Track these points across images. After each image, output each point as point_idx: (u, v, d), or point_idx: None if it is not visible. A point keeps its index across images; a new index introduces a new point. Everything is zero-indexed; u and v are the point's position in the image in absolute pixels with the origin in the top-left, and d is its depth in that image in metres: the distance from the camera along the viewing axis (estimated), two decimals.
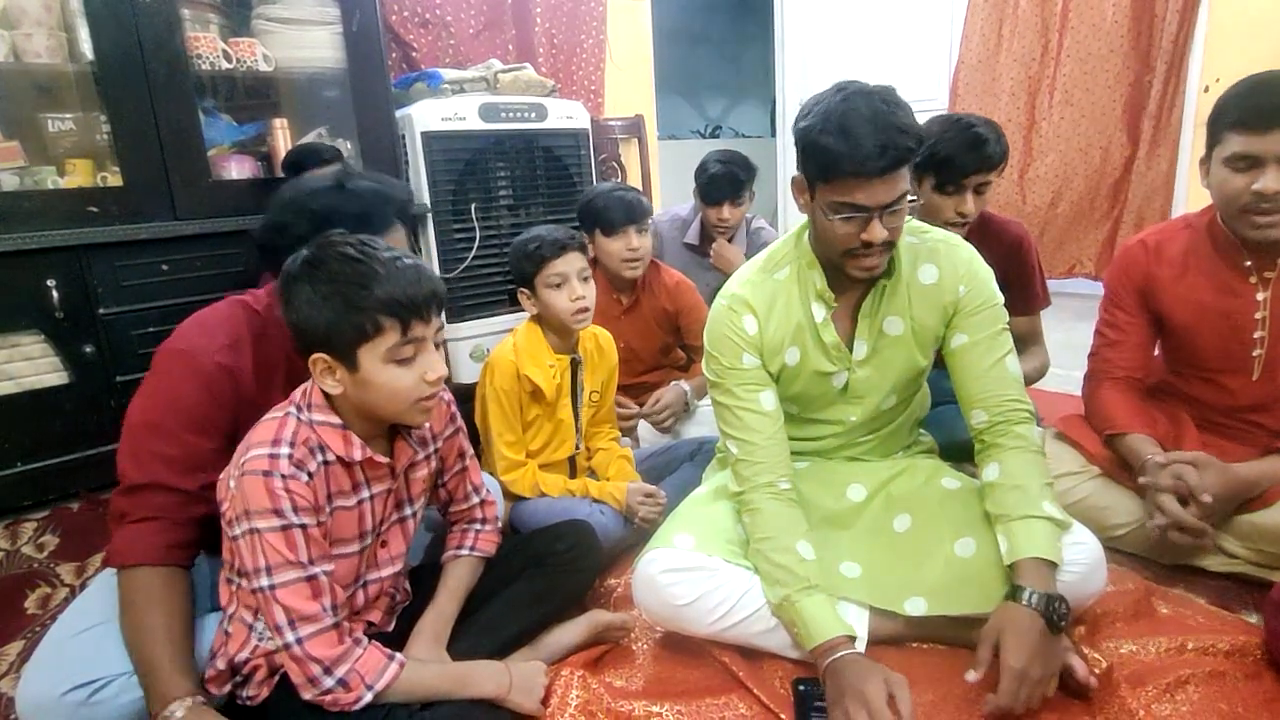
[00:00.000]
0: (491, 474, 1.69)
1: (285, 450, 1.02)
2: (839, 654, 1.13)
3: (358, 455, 1.07)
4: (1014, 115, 3.80)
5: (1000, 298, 1.36)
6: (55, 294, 1.91)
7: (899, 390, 1.42)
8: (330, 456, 1.06)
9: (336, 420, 1.07)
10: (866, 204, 1.15)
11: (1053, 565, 1.16)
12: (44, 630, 1.34)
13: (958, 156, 1.71)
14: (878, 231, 1.17)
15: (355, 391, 1.04)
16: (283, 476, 1.00)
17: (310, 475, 1.03)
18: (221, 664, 1.11)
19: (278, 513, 0.99)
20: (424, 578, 1.32)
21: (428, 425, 1.20)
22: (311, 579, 1.02)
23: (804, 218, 1.34)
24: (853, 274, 1.25)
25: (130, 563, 1.10)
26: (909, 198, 1.20)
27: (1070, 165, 3.72)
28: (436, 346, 1.08)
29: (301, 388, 1.10)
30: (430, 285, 1.04)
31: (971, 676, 1.09)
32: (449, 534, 1.35)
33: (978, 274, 1.34)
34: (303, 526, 1.01)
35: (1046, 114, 3.75)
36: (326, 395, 1.07)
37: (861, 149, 1.11)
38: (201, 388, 1.11)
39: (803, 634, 1.18)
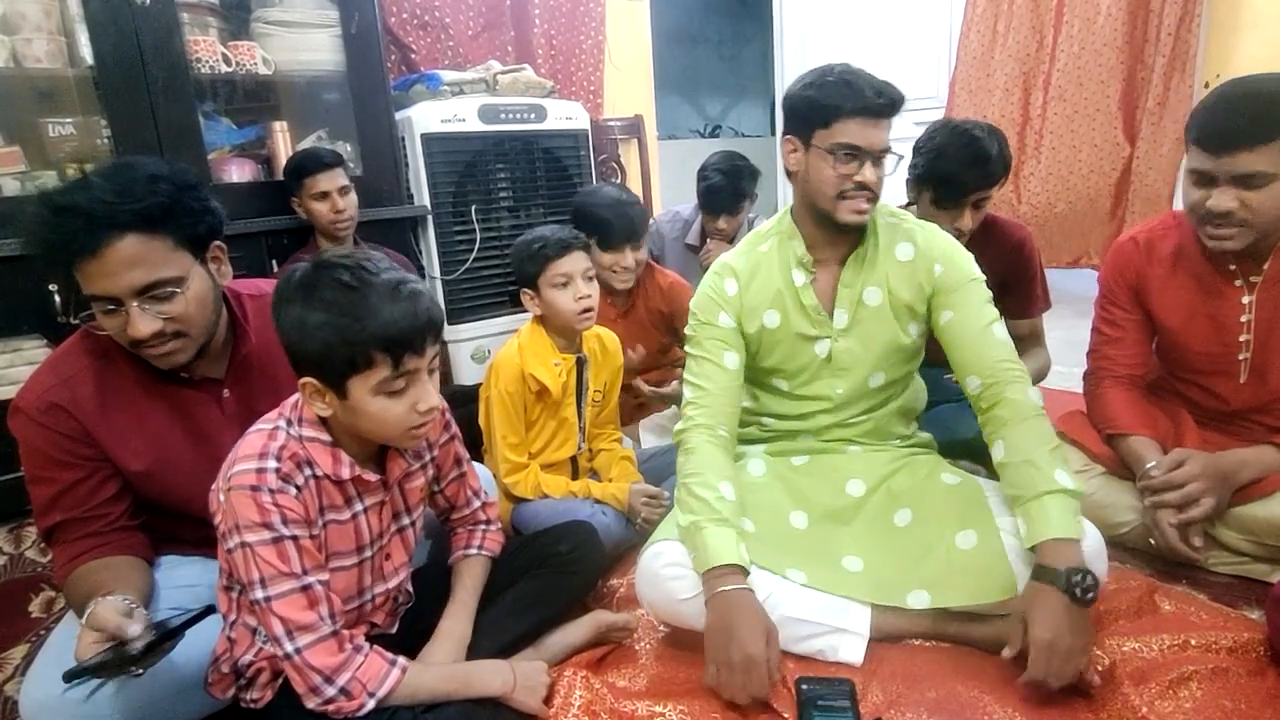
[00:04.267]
0: (494, 473, 1.70)
1: (272, 464, 1.00)
2: (729, 586, 1.19)
3: (346, 474, 1.06)
4: (1008, 112, 3.78)
5: (981, 275, 1.41)
6: (58, 298, 1.91)
7: (884, 366, 1.45)
8: (319, 472, 1.05)
9: (326, 437, 1.06)
10: (864, 145, 1.29)
11: (1073, 540, 1.17)
12: (48, 634, 1.34)
13: (959, 174, 1.70)
14: (870, 174, 1.31)
15: (344, 416, 1.03)
16: (270, 491, 0.99)
17: (298, 489, 1.02)
18: (225, 668, 1.11)
19: (267, 526, 0.98)
20: (424, 580, 1.32)
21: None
22: (306, 589, 1.01)
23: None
24: (844, 219, 1.34)
25: (68, 571, 1.14)
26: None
27: (1063, 163, 3.70)
28: (431, 373, 1.06)
29: (293, 399, 1.09)
30: (426, 316, 1.01)
31: (1006, 653, 1.13)
32: (455, 535, 1.35)
33: (953, 255, 1.41)
34: (294, 538, 1.00)
35: (1040, 110, 3.73)
36: None
37: (864, 93, 1.27)
38: (43, 429, 1.14)
39: (700, 556, 1.24)
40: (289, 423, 1.06)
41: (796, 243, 1.42)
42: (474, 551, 1.32)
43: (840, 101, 1.27)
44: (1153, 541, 1.44)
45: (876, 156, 1.31)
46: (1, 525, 1.97)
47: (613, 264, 2.08)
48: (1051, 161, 3.72)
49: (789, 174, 1.41)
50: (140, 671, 0.98)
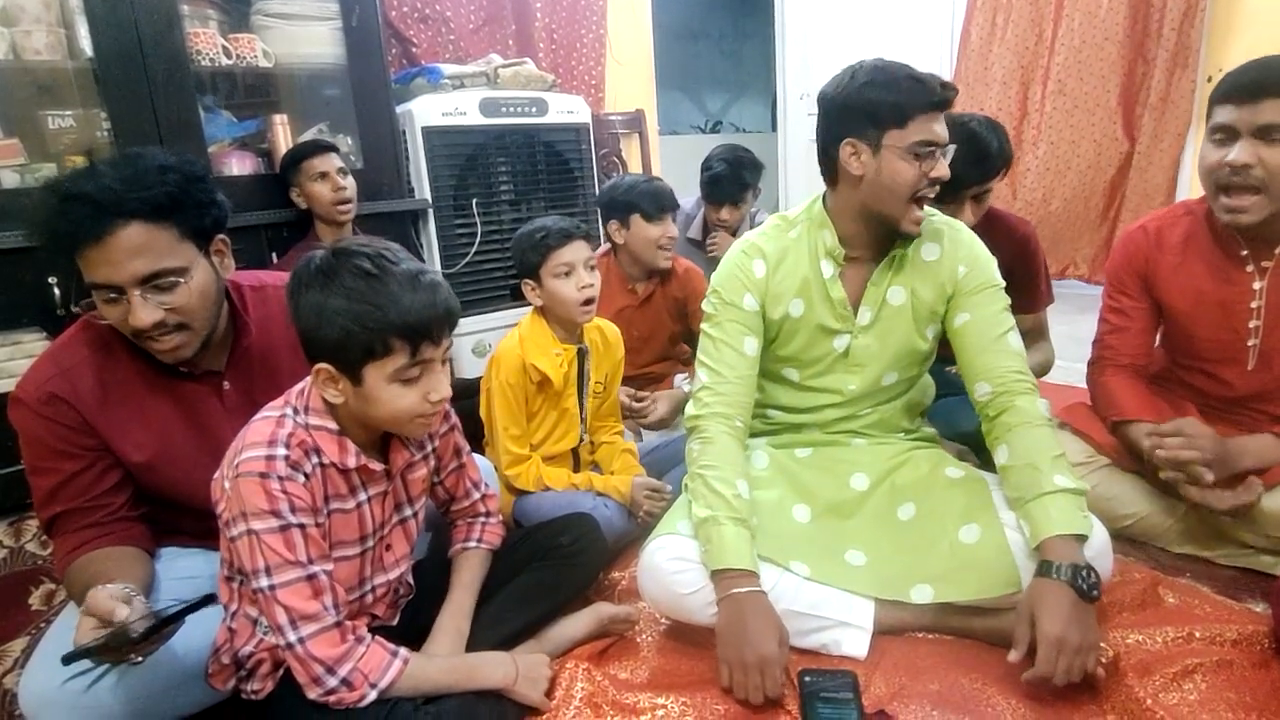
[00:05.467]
0: (496, 466, 1.69)
1: (281, 451, 1.00)
2: (743, 588, 1.19)
3: (352, 462, 1.06)
4: (1005, 105, 3.75)
5: (1001, 281, 1.40)
6: (57, 291, 1.90)
7: (898, 366, 1.44)
8: (325, 460, 1.05)
9: (333, 425, 1.06)
10: (938, 139, 1.28)
11: (1078, 537, 1.17)
12: (48, 626, 1.34)
13: (957, 167, 1.68)
14: (945, 167, 1.30)
15: (356, 403, 1.03)
16: (279, 478, 0.99)
17: (306, 477, 1.02)
18: (226, 659, 1.11)
19: (275, 514, 0.98)
20: (424, 572, 1.32)
21: None
22: (311, 578, 1.01)
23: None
24: (907, 229, 1.33)
25: (68, 562, 1.13)
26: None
27: (1062, 159, 3.67)
28: (443, 363, 1.06)
29: (299, 388, 1.09)
30: (445, 306, 1.02)
31: (1013, 656, 1.11)
32: (454, 528, 1.35)
33: (978, 257, 1.40)
34: (300, 526, 1.00)
35: (1039, 105, 3.70)
36: (324, 399, 1.06)
37: (935, 88, 1.26)
38: (44, 420, 1.13)
39: (715, 553, 1.23)
40: (295, 410, 1.06)
41: (827, 233, 1.39)
42: (473, 545, 1.31)
43: (914, 98, 1.25)
44: (1163, 476, 1.42)
45: (945, 149, 1.30)
46: (1, 519, 1.97)
47: (660, 235, 2.10)
48: (1049, 156, 3.69)
49: (836, 180, 1.37)
50: (139, 659, 0.97)
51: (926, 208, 1.39)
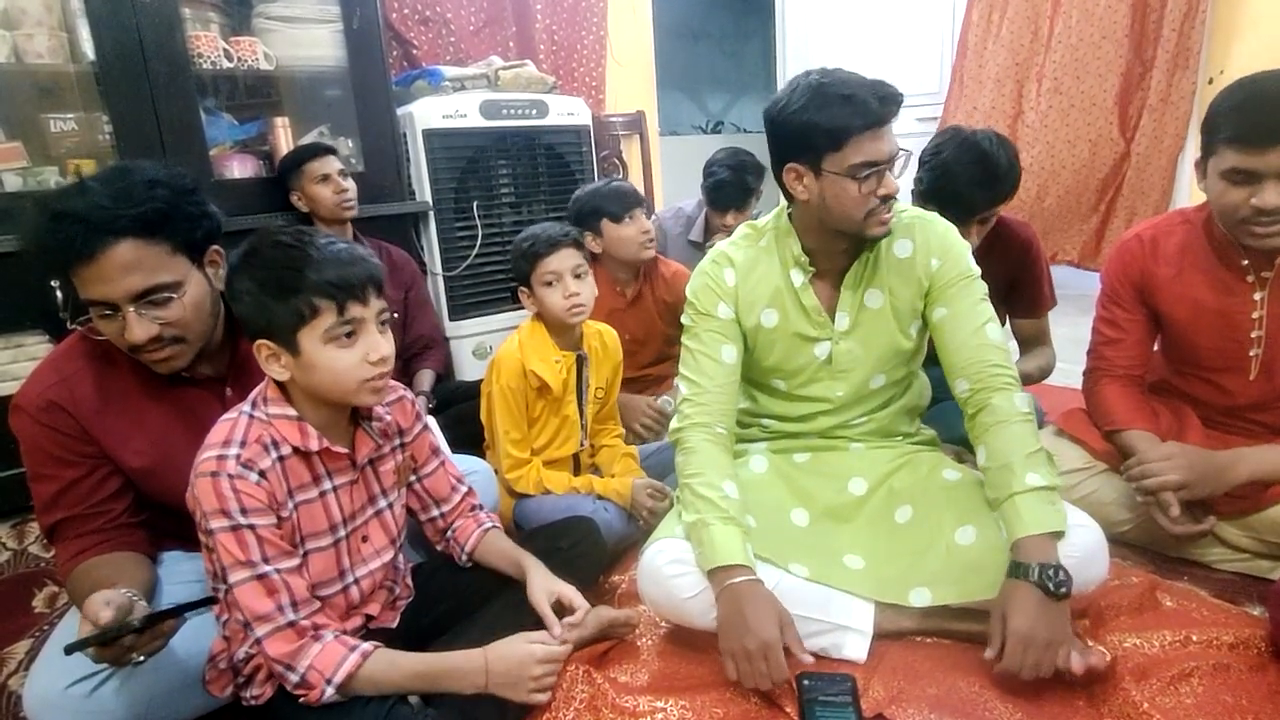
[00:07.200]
0: (497, 469, 1.70)
1: (234, 450, 1.01)
2: (738, 579, 1.19)
3: (314, 445, 1.07)
4: (1000, 104, 3.73)
5: (977, 270, 1.39)
6: (59, 294, 1.91)
7: (885, 369, 1.44)
8: (286, 450, 1.06)
9: (292, 412, 1.07)
10: (880, 157, 1.24)
11: (1051, 534, 1.17)
12: (51, 629, 1.34)
13: (967, 194, 1.66)
14: (892, 184, 1.27)
15: (301, 376, 1.05)
16: (229, 476, 1.00)
17: (262, 474, 1.02)
18: (223, 664, 1.11)
19: (225, 513, 0.99)
20: (424, 575, 1.32)
21: (391, 419, 1.20)
22: (262, 578, 1.01)
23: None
24: (874, 233, 1.31)
25: (70, 568, 1.14)
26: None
27: (1057, 158, 3.65)
28: (381, 326, 1.08)
29: (258, 387, 1.10)
30: (365, 268, 1.05)
31: (988, 654, 1.13)
32: (457, 531, 1.33)
33: (952, 247, 1.39)
34: (251, 527, 1.01)
35: (1034, 103, 3.68)
36: (281, 388, 1.07)
37: (869, 105, 1.22)
38: (44, 427, 1.14)
39: (707, 553, 1.24)
40: (254, 405, 1.07)
41: (792, 241, 1.39)
42: (490, 525, 1.33)
43: (848, 121, 1.22)
44: (1140, 499, 1.43)
45: (891, 163, 1.27)
46: (4, 521, 1.98)
47: (636, 233, 2.13)
48: (1045, 156, 3.67)
49: (792, 201, 1.36)
50: (141, 659, 0.98)
51: (896, 205, 1.37)
